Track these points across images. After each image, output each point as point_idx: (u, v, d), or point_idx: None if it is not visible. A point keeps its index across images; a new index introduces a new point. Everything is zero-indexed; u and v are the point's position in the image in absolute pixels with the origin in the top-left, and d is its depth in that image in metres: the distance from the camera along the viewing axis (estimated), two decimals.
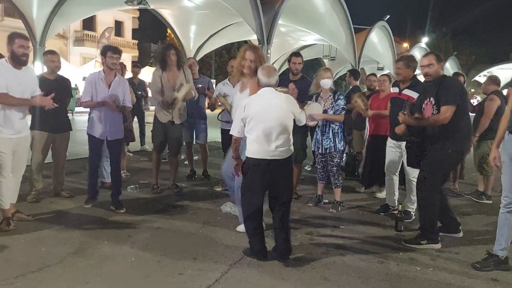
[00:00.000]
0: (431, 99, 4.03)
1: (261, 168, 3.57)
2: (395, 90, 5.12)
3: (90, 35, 29.78)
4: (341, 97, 5.16)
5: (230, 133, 3.74)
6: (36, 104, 4.16)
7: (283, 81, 5.72)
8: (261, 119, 3.56)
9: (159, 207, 5.10)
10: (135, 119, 8.80)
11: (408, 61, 4.87)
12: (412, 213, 4.96)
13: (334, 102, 5.13)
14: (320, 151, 5.30)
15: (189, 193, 5.84)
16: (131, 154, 8.50)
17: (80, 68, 25.11)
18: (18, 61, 4.02)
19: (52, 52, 5.20)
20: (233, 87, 5.73)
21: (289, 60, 5.70)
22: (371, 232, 4.54)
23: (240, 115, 3.63)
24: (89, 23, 29.46)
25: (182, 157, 7.74)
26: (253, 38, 18.41)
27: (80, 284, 3.09)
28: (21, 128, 4.16)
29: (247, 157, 3.64)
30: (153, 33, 34.80)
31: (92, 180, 5.00)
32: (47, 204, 5.01)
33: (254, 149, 3.59)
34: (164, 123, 5.57)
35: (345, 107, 5.17)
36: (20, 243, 3.78)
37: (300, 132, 5.59)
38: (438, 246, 4.11)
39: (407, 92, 4.83)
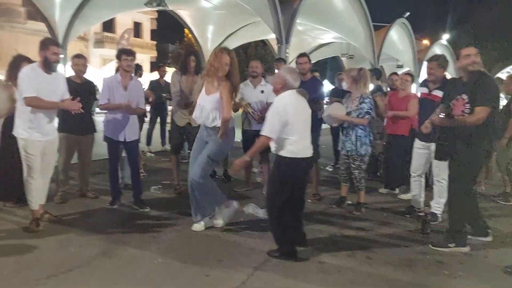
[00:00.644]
0: (464, 96, 3.92)
1: (303, 166, 3.79)
2: (423, 90, 5.00)
3: (110, 37, 30.14)
4: (366, 101, 5.04)
5: (266, 134, 3.68)
6: (64, 108, 4.23)
7: None
8: (300, 120, 3.74)
9: (182, 207, 5.13)
10: (158, 119, 8.89)
11: (441, 61, 4.76)
12: (439, 215, 4.88)
13: (359, 105, 5.06)
14: (343, 152, 5.27)
15: None
16: (153, 155, 8.58)
17: (100, 69, 25.44)
18: (50, 67, 4.13)
19: (77, 56, 5.29)
20: (255, 87, 5.75)
21: (296, 61, 5.67)
22: (397, 235, 4.49)
23: (281, 118, 3.64)
24: (109, 25, 29.82)
25: None
26: (271, 37, 18.38)
27: (108, 285, 3.14)
28: (49, 131, 4.26)
29: (287, 158, 3.68)
30: (171, 34, 35.04)
31: (113, 182, 5.06)
32: (73, 205, 5.09)
33: (296, 150, 3.70)
34: (181, 126, 5.62)
35: (369, 111, 5.03)
36: (50, 244, 3.85)
37: (314, 130, 5.56)
38: (467, 249, 4.03)
39: (437, 93, 4.71)
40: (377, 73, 8.17)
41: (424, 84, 5.04)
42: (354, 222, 4.84)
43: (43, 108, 4.09)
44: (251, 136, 5.82)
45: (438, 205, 4.88)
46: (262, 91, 5.69)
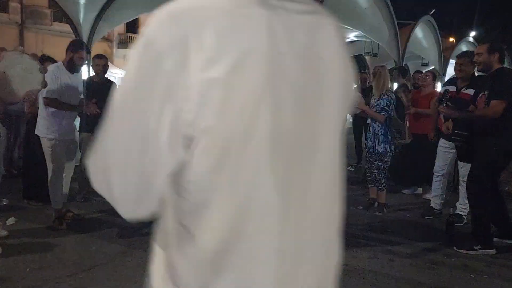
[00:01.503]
0: (486, 92, 3.83)
1: None
2: (452, 88, 4.86)
3: (133, 37, 30.58)
4: (384, 98, 4.95)
5: None
6: (81, 110, 4.33)
7: None
8: None
9: None
10: None
11: (472, 57, 4.65)
12: (464, 216, 4.74)
13: (377, 101, 4.99)
14: (367, 150, 5.20)
15: None
16: None
17: (123, 69, 25.84)
18: (74, 69, 4.25)
19: (98, 57, 5.35)
20: None
21: None
22: (421, 236, 4.38)
23: None
24: (132, 26, 30.25)
25: None
26: None
27: (128, 283, 3.15)
28: (71, 130, 4.36)
29: None
30: None
31: None
32: (94, 203, 5.15)
33: None
34: None
35: (386, 108, 4.92)
36: (72, 242, 3.91)
37: None
38: (493, 252, 3.90)
39: (468, 91, 4.55)
40: (403, 71, 8.01)
41: (451, 81, 4.90)
42: (376, 223, 4.75)
43: (60, 110, 4.17)
44: None
45: (463, 206, 4.74)
46: None
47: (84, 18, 15.20)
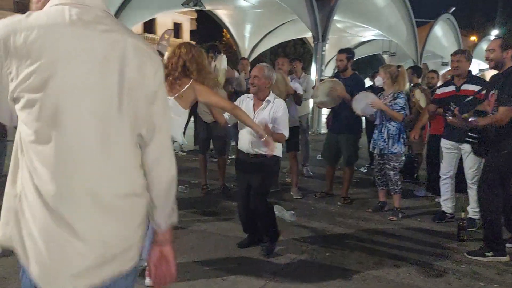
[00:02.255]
0: (496, 91, 3.65)
1: None
2: (450, 89, 4.70)
3: (151, 37, 30.80)
4: (401, 96, 4.80)
5: (286, 136, 3.65)
6: None
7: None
8: None
9: (207, 208, 5.07)
10: (191, 119, 8.87)
11: (468, 54, 4.60)
12: (477, 221, 4.55)
13: (393, 101, 4.82)
14: (376, 151, 5.02)
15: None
16: (184, 154, 8.60)
17: None
18: None
19: None
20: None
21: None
22: (430, 241, 4.22)
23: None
24: (149, 26, 30.50)
25: (233, 156, 7.71)
26: (309, 35, 18.12)
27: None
28: None
29: (279, 157, 3.74)
30: (209, 34, 35.42)
31: None
32: None
33: (281, 148, 3.76)
34: (208, 123, 5.54)
35: (404, 107, 4.79)
36: None
37: (352, 131, 5.35)
38: (505, 259, 3.72)
39: (467, 87, 4.46)
40: (417, 71, 7.81)
41: (449, 83, 4.77)
42: (384, 227, 4.60)
43: None
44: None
45: (475, 210, 4.55)
46: None
47: None
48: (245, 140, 3.66)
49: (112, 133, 1.27)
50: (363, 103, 4.93)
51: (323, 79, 5.19)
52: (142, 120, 1.32)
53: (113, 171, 1.29)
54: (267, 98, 3.66)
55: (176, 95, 3.08)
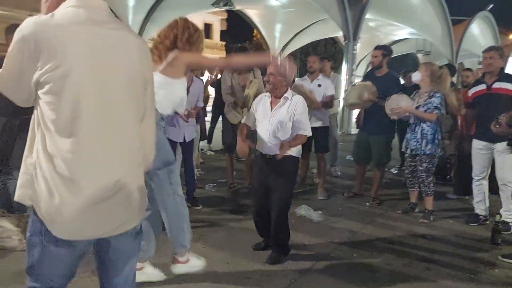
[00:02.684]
0: None
1: None
2: (481, 87, 4.52)
3: None
4: (437, 95, 4.62)
5: (307, 134, 3.54)
6: None
7: (367, 77, 5.45)
8: None
9: (234, 206, 5.07)
10: (220, 118, 8.92)
11: (502, 51, 4.42)
12: (511, 224, 4.37)
13: (428, 99, 4.67)
14: (408, 151, 4.89)
15: None
16: (213, 153, 8.65)
17: None
18: None
19: None
20: (312, 82, 5.61)
21: None
22: (463, 244, 4.08)
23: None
24: None
25: None
26: (341, 34, 17.92)
27: (149, 283, 3.12)
28: None
29: (298, 158, 3.63)
30: (240, 34, 35.58)
31: None
32: None
33: (301, 149, 3.66)
34: (234, 124, 5.56)
35: (439, 106, 4.61)
36: None
37: (384, 132, 5.24)
38: None
39: (500, 85, 4.30)
40: (451, 69, 7.58)
41: (479, 81, 4.59)
42: (415, 229, 4.48)
43: None
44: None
45: (509, 213, 4.37)
46: (319, 85, 5.59)
47: (133, 19, 15.66)
48: (261, 141, 3.59)
49: (125, 114, 1.56)
50: (390, 104, 4.82)
51: (354, 84, 5.08)
52: (141, 103, 1.63)
53: (122, 146, 1.57)
54: (285, 95, 3.54)
55: (164, 66, 2.80)
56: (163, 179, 2.86)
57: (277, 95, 3.57)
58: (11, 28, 3.79)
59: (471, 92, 4.71)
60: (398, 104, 4.74)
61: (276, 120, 3.48)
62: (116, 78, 1.52)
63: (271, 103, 3.61)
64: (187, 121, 4.73)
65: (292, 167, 3.59)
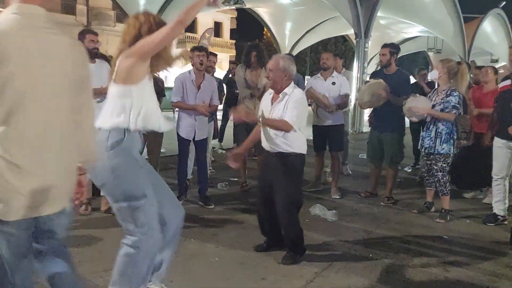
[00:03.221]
0: None
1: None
2: (506, 82, 4.42)
3: (191, 37, 31.22)
4: (454, 94, 4.51)
5: (292, 122, 3.32)
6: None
7: (378, 76, 5.34)
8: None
9: (246, 205, 5.03)
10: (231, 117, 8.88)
11: None
12: None
13: (445, 98, 4.57)
14: (423, 150, 4.81)
15: None
16: (224, 151, 8.61)
17: (182, 69, 26.41)
18: (90, 55, 4.20)
19: None
20: (325, 80, 5.53)
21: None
22: (481, 245, 4.00)
23: (305, 112, 3.50)
24: (190, 25, 30.73)
25: None
26: (351, 32, 17.78)
27: (165, 282, 3.08)
28: None
29: (303, 155, 3.50)
30: (250, 33, 35.51)
31: (181, 177, 5.08)
32: None
33: (305, 145, 3.51)
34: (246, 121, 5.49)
35: (457, 105, 4.49)
36: (113, 237, 3.91)
37: (396, 130, 5.16)
38: None
39: None
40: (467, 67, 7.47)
41: (506, 78, 4.47)
42: (431, 229, 4.40)
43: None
44: (321, 133, 5.57)
45: None
46: (333, 83, 5.48)
47: None
48: (263, 137, 3.50)
49: (60, 108, 1.79)
50: (408, 105, 4.73)
51: (368, 81, 4.99)
52: (75, 98, 1.85)
53: (63, 139, 1.81)
54: (284, 90, 3.42)
55: (118, 74, 2.41)
56: (124, 216, 2.41)
57: (278, 91, 3.47)
58: None
59: (500, 86, 4.63)
60: (416, 106, 4.65)
61: (275, 117, 3.40)
62: (52, 77, 1.75)
63: (272, 99, 3.53)
64: (206, 115, 4.82)
65: (296, 165, 3.46)
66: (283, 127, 3.33)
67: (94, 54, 4.35)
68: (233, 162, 3.56)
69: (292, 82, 3.49)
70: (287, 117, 3.31)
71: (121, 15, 22.70)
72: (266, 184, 3.52)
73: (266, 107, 3.53)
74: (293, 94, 3.40)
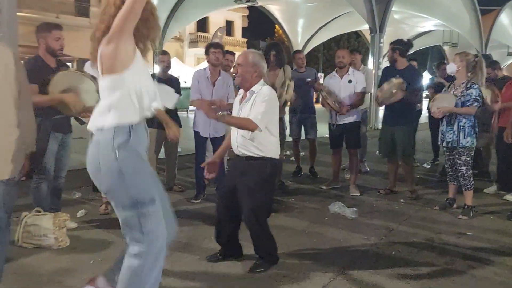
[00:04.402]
0: None
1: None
2: None
3: (203, 36, 31.25)
4: (475, 87, 4.44)
5: (256, 120, 3.04)
6: None
7: (388, 72, 5.26)
8: (277, 119, 3.29)
9: None
10: None
11: None
12: None
13: (465, 91, 4.49)
14: (444, 144, 4.73)
15: (295, 191, 5.64)
16: None
17: (194, 68, 26.50)
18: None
19: (162, 53, 5.41)
20: (341, 79, 5.46)
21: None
22: (506, 242, 3.91)
23: (274, 111, 3.20)
24: (202, 25, 30.92)
25: (288, 152, 7.61)
26: (364, 27, 17.62)
27: (187, 280, 3.08)
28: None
29: (276, 159, 3.23)
30: (261, 31, 35.52)
31: (198, 175, 5.07)
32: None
33: (278, 150, 3.28)
34: None
35: (478, 98, 4.42)
36: None
37: (407, 123, 5.09)
38: None
39: None
40: (488, 60, 7.32)
41: None
42: (454, 226, 4.32)
43: None
44: (337, 130, 5.51)
45: None
46: (350, 81, 5.41)
47: None
48: (232, 139, 3.24)
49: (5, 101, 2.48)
50: (436, 105, 4.65)
51: (390, 80, 4.92)
52: (16, 98, 2.52)
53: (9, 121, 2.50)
54: (252, 89, 3.16)
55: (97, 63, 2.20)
56: (130, 223, 2.21)
57: (247, 88, 3.20)
58: (41, 27, 3.80)
59: None
60: (442, 105, 4.58)
61: (242, 115, 3.16)
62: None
63: (241, 98, 3.27)
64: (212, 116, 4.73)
65: (264, 170, 3.14)
66: (246, 125, 3.05)
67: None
68: (207, 173, 3.36)
69: (262, 80, 3.24)
70: (251, 115, 3.06)
71: None
72: (231, 188, 3.23)
73: (235, 107, 3.30)
74: (261, 91, 3.15)
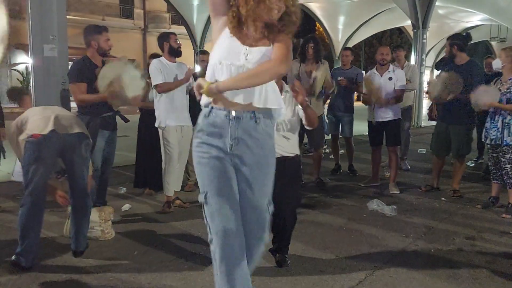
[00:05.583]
0: None
1: None
2: None
3: None
4: None
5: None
6: (188, 77, 4.47)
7: (445, 64, 5.20)
8: None
9: (303, 200, 5.03)
10: None
11: None
12: None
13: (511, 86, 4.38)
14: (487, 141, 4.61)
15: (334, 188, 5.65)
16: None
17: None
18: (176, 54, 4.52)
19: (202, 52, 5.57)
20: (382, 76, 5.41)
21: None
22: None
23: None
24: None
25: (327, 150, 7.60)
26: (407, 23, 17.20)
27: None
28: (184, 118, 4.56)
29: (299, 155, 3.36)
30: (302, 29, 35.33)
31: None
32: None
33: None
34: None
35: None
36: (176, 229, 4.08)
37: (465, 121, 4.96)
38: None
39: None
40: None
41: None
42: (497, 225, 4.20)
43: (173, 88, 4.38)
44: (377, 127, 5.47)
45: None
46: (390, 78, 5.34)
47: (197, 19, 16.09)
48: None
49: None
50: (484, 99, 4.52)
51: (439, 74, 4.84)
52: None
53: None
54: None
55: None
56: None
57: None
58: (91, 29, 4.03)
59: None
60: (482, 99, 4.46)
61: None
62: None
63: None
64: None
65: (299, 167, 3.37)
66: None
67: (179, 53, 4.54)
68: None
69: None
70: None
71: (176, 17, 23.41)
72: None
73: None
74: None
